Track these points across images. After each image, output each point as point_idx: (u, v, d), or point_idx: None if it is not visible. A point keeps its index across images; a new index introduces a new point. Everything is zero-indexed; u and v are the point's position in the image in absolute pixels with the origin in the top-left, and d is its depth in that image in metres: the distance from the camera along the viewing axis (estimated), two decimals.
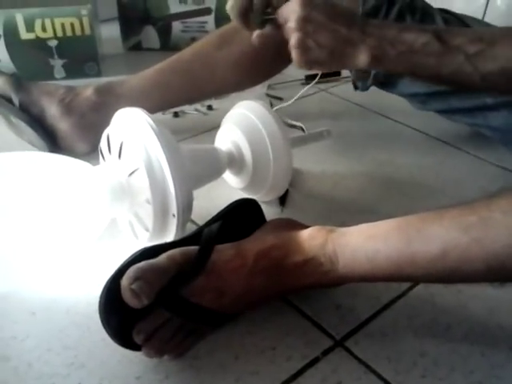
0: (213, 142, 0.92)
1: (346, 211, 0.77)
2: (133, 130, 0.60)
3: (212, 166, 0.70)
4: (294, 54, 0.64)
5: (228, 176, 0.76)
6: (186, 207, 0.59)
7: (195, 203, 0.68)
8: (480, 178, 0.86)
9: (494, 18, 0.91)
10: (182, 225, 0.60)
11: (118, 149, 0.61)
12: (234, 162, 0.71)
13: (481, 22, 0.88)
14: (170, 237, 0.61)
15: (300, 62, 0.65)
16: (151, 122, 0.59)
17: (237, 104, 0.75)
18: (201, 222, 0.65)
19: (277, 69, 0.95)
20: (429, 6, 0.87)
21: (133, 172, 0.59)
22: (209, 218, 0.62)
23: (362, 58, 0.63)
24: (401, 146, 0.94)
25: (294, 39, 0.63)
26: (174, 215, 0.59)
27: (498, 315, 0.60)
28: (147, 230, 0.61)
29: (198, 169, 0.66)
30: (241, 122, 0.71)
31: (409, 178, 0.85)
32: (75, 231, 0.59)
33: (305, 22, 0.62)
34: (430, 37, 0.62)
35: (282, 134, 0.69)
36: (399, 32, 0.63)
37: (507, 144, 0.87)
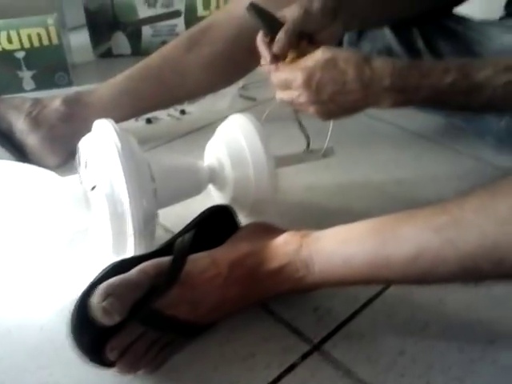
0: (187, 147, 0.91)
1: (323, 212, 0.76)
2: (97, 147, 0.59)
3: (189, 183, 0.69)
4: (317, 117, 0.65)
5: (213, 190, 0.74)
6: (143, 228, 0.58)
7: (170, 211, 0.67)
8: (457, 171, 0.86)
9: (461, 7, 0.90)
10: (139, 245, 0.59)
11: (85, 162, 0.60)
12: (216, 178, 0.70)
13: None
14: (129, 254, 0.60)
15: (324, 120, 0.67)
16: (117, 139, 0.58)
17: (230, 116, 0.73)
18: (176, 230, 0.64)
19: (249, 68, 0.94)
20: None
21: (93, 187, 0.58)
22: (184, 225, 0.62)
23: (385, 105, 0.62)
24: (377, 143, 0.93)
25: (312, 110, 0.63)
26: (131, 235, 0.58)
27: (475, 310, 0.60)
28: (108, 246, 0.60)
29: (170, 186, 0.65)
30: (227, 139, 0.69)
31: (386, 174, 0.85)
32: (40, 242, 0.59)
33: (317, 94, 0.61)
34: (455, 75, 0.59)
35: (267, 160, 0.66)
36: (421, 78, 0.60)
37: (481, 135, 0.88)
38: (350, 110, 0.64)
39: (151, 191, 0.60)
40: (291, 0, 0.78)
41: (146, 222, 0.58)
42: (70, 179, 0.63)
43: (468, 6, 0.87)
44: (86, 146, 0.62)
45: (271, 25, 0.68)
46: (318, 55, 0.63)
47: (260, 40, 0.68)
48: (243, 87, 1.10)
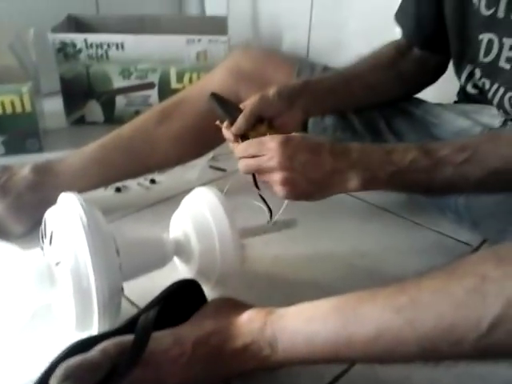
0: (155, 217, 0.92)
1: (290, 285, 0.77)
2: (62, 222, 0.59)
3: (154, 256, 0.69)
4: (281, 190, 0.65)
5: (178, 262, 0.74)
6: (108, 304, 0.57)
7: (135, 283, 0.66)
8: (418, 243, 0.88)
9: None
10: (104, 321, 0.58)
11: (50, 236, 0.60)
12: (182, 251, 0.70)
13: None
14: (93, 331, 0.59)
15: (287, 197, 0.66)
16: (83, 214, 0.58)
17: (195, 189, 0.73)
18: (142, 303, 0.64)
19: (218, 142, 0.97)
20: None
21: (58, 263, 0.58)
22: (151, 298, 0.61)
23: (353, 184, 0.64)
24: (341, 215, 0.96)
25: (279, 177, 0.63)
26: (95, 311, 0.57)
27: None
28: (71, 322, 0.59)
29: (135, 260, 0.65)
30: (193, 211, 0.70)
31: (351, 247, 0.87)
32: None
33: (289, 159, 0.63)
34: (416, 153, 0.63)
35: (232, 233, 0.67)
36: (386, 154, 0.64)
37: (441, 210, 0.91)
38: (315, 186, 0.65)
39: (116, 265, 0.60)
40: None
41: (112, 297, 0.58)
42: (33, 253, 0.62)
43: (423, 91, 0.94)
44: (51, 219, 0.62)
45: (232, 112, 0.73)
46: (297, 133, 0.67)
47: (224, 127, 0.73)
48: (213, 158, 1.13)
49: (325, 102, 0.82)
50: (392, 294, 0.48)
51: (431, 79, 0.92)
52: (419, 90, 0.93)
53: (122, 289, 0.62)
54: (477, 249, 0.86)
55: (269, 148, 0.64)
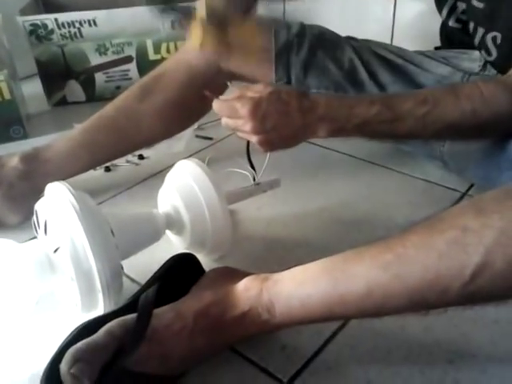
0: (147, 193, 0.92)
1: (284, 246, 0.79)
2: (55, 209, 0.60)
3: (147, 232, 0.71)
4: (259, 147, 0.71)
5: (171, 235, 0.76)
6: (111, 283, 0.59)
7: (133, 261, 0.68)
8: (407, 194, 0.90)
9: (401, 40, 0.96)
10: (109, 299, 0.60)
11: (44, 225, 0.61)
12: (173, 224, 0.72)
13: (387, 47, 0.93)
14: (99, 311, 0.61)
15: (266, 151, 0.73)
16: (73, 200, 0.59)
17: (178, 162, 0.75)
18: (142, 279, 0.66)
19: (202, 112, 0.97)
20: (337, 38, 0.92)
21: (57, 249, 0.59)
22: (150, 274, 0.64)
23: (322, 134, 0.70)
24: (330, 172, 0.97)
25: (255, 139, 0.69)
26: (100, 291, 0.59)
27: (433, 332, 0.63)
28: (76, 305, 0.61)
29: (129, 237, 0.67)
30: (179, 185, 0.72)
31: (340, 204, 0.89)
32: (6, 310, 0.59)
33: (261, 124, 0.67)
34: (380, 106, 0.68)
35: (219, 198, 0.69)
36: (351, 108, 0.68)
37: (427, 156, 0.92)
38: (290, 140, 0.71)
39: (113, 245, 0.61)
40: None
41: (113, 276, 0.60)
42: (30, 244, 0.64)
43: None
44: (42, 209, 0.63)
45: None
46: (261, 88, 0.69)
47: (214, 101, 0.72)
48: (199, 127, 1.13)
49: None
50: (378, 252, 0.50)
51: None
52: None
53: (122, 267, 0.64)
54: (464, 194, 0.88)
55: (241, 115, 0.67)
